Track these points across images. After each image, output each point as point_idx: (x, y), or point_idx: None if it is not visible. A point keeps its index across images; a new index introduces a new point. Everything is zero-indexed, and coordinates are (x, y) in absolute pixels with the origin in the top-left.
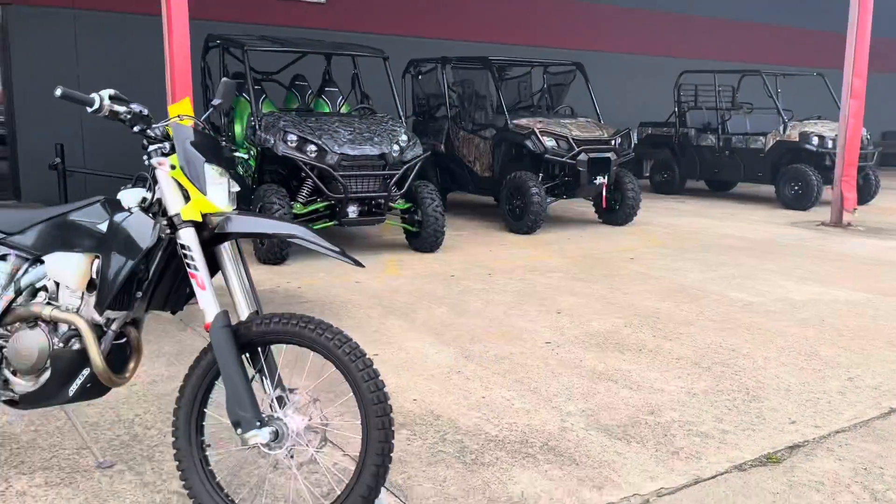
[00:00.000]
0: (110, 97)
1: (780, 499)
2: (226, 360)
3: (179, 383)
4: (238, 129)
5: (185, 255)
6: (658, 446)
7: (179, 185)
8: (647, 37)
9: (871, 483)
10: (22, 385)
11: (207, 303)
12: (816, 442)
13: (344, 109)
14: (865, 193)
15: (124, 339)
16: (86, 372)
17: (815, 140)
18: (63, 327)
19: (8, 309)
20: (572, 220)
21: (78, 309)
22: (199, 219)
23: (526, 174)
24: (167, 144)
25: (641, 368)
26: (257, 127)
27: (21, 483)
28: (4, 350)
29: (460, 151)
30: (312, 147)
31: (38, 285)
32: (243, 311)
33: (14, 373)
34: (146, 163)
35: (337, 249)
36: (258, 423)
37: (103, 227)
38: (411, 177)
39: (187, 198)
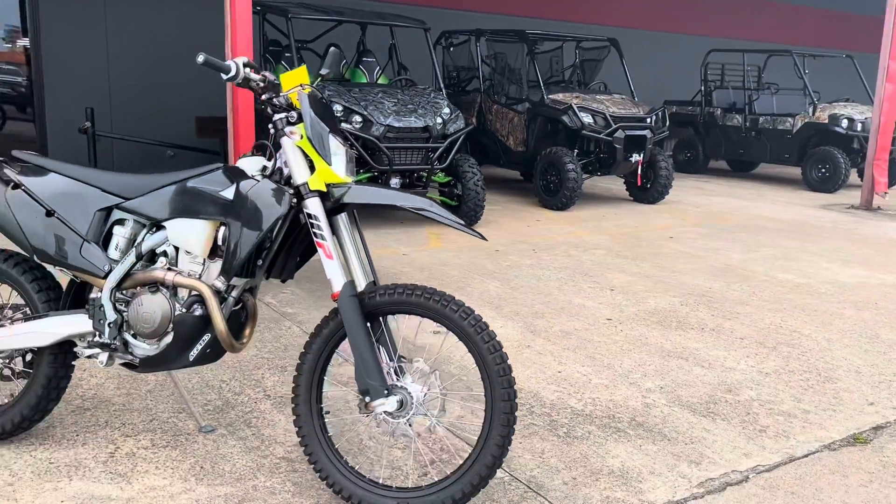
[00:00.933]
0: (244, 64)
1: (877, 478)
2: (354, 329)
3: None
4: None
5: (312, 225)
6: (744, 424)
7: (304, 154)
8: (672, 14)
9: None
10: (143, 348)
11: (334, 273)
12: None
13: (382, 80)
14: (892, 177)
15: (240, 305)
16: (206, 337)
17: (845, 122)
18: (183, 292)
19: (127, 273)
20: (602, 197)
21: (199, 275)
22: (324, 189)
23: (562, 150)
24: (294, 113)
25: (708, 347)
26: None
27: (128, 445)
28: (125, 314)
29: (493, 125)
30: (358, 118)
31: (157, 251)
32: (360, 282)
33: (134, 336)
34: (271, 131)
35: (462, 222)
36: (385, 392)
37: (227, 194)
38: (454, 150)
39: (311, 167)
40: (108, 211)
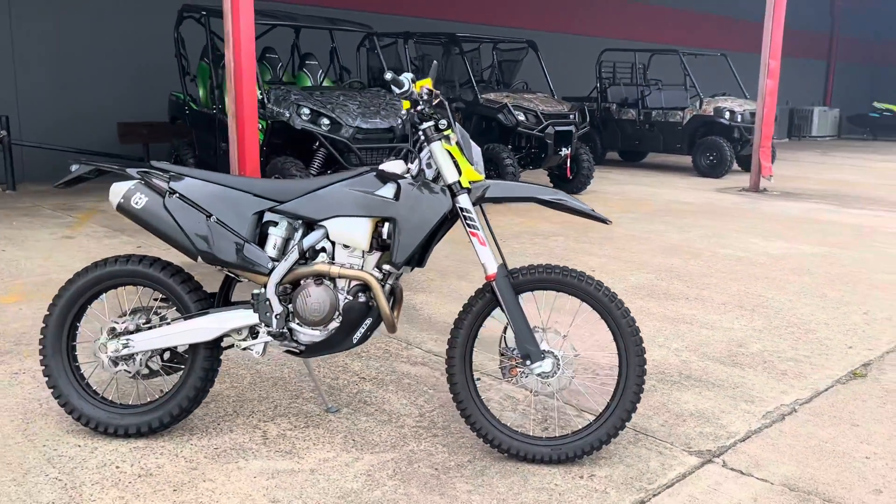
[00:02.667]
0: (411, 80)
1: (888, 400)
2: (511, 304)
3: None
4: (202, 93)
5: (466, 218)
6: (766, 370)
7: (451, 156)
8: (568, 17)
9: None
10: (310, 335)
11: (488, 257)
12: (878, 360)
13: (326, 83)
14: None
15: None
16: (368, 321)
17: (728, 114)
18: (342, 282)
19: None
20: None
21: (361, 267)
22: (469, 186)
23: (499, 146)
24: (444, 122)
25: (701, 312)
26: (266, 100)
27: (272, 428)
28: (289, 305)
29: None
30: (326, 120)
31: (316, 247)
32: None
33: (299, 325)
34: (420, 136)
35: (591, 209)
36: (542, 356)
37: (385, 193)
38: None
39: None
40: (260, 214)
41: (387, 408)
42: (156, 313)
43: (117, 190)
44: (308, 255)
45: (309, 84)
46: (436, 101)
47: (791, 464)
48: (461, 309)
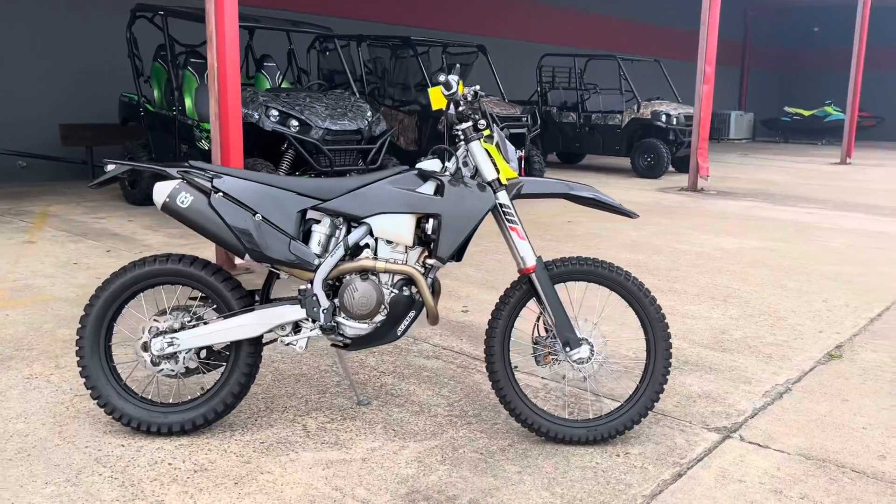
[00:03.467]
0: (455, 81)
1: (868, 377)
2: (551, 295)
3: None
4: (157, 94)
5: (506, 213)
6: (753, 354)
7: (489, 155)
8: (509, 23)
9: None
10: (357, 329)
11: (527, 250)
12: (848, 342)
13: (285, 85)
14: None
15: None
16: (412, 314)
17: (664, 117)
18: (385, 277)
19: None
20: None
21: (404, 262)
22: (506, 183)
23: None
24: (483, 122)
25: (678, 304)
26: None
27: (311, 422)
28: (336, 300)
29: None
30: (295, 122)
31: (360, 243)
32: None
33: (346, 319)
34: (459, 135)
35: (619, 203)
36: (580, 343)
37: (426, 190)
38: (383, 151)
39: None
40: (303, 211)
41: (415, 399)
42: (183, 310)
43: (162, 189)
44: (352, 252)
45: (268, 86)
46: (477, 104)
47: (800, 436)
48: (498, 301)
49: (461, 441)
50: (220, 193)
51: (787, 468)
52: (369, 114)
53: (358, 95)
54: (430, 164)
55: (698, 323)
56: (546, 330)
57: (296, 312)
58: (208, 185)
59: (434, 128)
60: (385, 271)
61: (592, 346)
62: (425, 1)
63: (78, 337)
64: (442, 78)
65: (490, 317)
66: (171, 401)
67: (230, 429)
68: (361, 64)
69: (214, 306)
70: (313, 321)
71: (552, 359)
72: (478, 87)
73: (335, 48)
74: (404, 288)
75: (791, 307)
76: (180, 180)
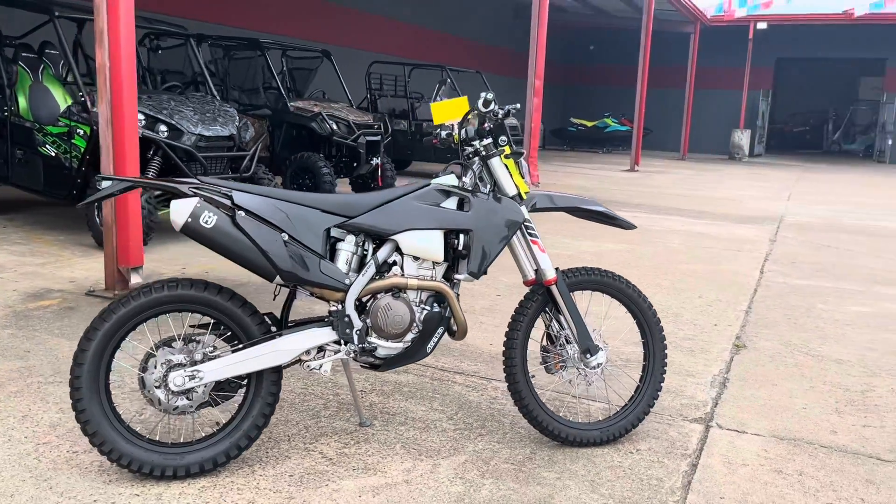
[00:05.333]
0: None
1: (779, 362)
2: (571, 305)
3: None
4: (22, 101)
5: (527, 227)
6: (678, 349)
7: (508, 170)
8: (340, 30)
9: (795, 351)
10: (390, 349)
11: (547, 263)
12: (742, 332)
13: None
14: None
15: None
16: (440, 330)
17: None
18: (412, 294)
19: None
20: None
21: (432, 278)
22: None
23: (315, 155)
24: (504, 138)
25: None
26: (90, 103)
27: (327, 449)
28: (368, 320)
29: None
30: (164, 127)
31: (388, 261)
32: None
33: (378, 339)
34: (482, 151)
35: (622, 217)
36: (598, 349)
37: (449, 205)
38: (256, 158)
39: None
40: (327, 229)
41: (413, 416)
42: (194, 340)
43: (182, 209)
44: (379, 269)
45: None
46: (504, 119)
47: (763, 420)
48: (515, 312)
49: (486, 454)
50: (243, 212)
51: (772, 450)
52: (237, 119)
53: (218, 98)
54: (447, 179)
55: (616, 324)
56: (554, 338)
57: (327, 335)
58: (228, 202)
59: (288, 134)
60: (418, 288)
61: (605, 352)
62: (255, 4)
63: (73, 377)
64: (490, 95)
65: (508, 328)
66: (182, 440)
67: (245, 464)
68: (202, 65)
69: (228, 334)
70: (345, 343)
71: (561, 365)
72: (518, 105)
73: (192, 48)
74: (435, 304)
75: (678, 304)
76: (200, 198)
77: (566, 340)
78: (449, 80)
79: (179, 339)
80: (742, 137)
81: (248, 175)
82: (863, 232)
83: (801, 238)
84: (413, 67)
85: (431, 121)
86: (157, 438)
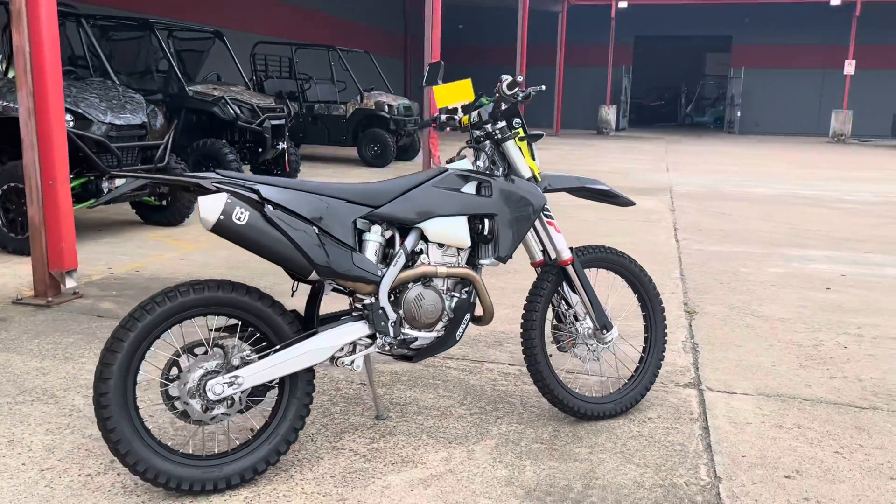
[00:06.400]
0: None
1: (730, 326)
2: (586, 284)
3: None
4: None
5: (544, 209)
6: (637, 318)
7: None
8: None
9: (741, 313)
10: (425, 338)
11: (563, 244)
12: (686, 297)
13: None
14: (411, 152)
15: None
16: (468, 316)
17: (387, 108)
18: (438, 282)
19: None
20: None
21: (458, 264)
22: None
23: (218, 141)
24: (518, 120)
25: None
26: None
27: (356, 446)
28: (401, 311)
29: None
30: (69, 116)
31: (416, 249)
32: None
33: (411, 329)
34: (497, 134)
35: (623, 194)
36: (612, 325)
37: (469, 190)
38: (170, 147)
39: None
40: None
41: (425, 404)
42: (219, 345)
43: (213, 206)
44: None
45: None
46: (524, 101)
47: (743, 380)
48: (531, 294)
49: (512, 435)
50: (271, 206)
51: (765, 407)
52: (145, 105)
53: (118, 83)
54: (463, 163)
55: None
56: (563, 317)
57: (362, 329)
58: (255, 196)
59: (188, 119)
60: (447, 276)
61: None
62: None
63: (100, 394)
64: (520, 78)
65: (525, 311)
66: (216, 451)
67: (280, 470)
68: (97, 46)
69: (255, 336)
70: (382, 336)
71: (573, 342)
72: (543, 87)
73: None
74: (462, 291)
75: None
76: (227, 194)
77: (574, 318)
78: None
79: (208, 344)
80: (609, 113)
81: (162, 165)
82: (744, 198)
83: (696, 207)
84: (298, 48)
85: (322, 102)
86: (191, 452)
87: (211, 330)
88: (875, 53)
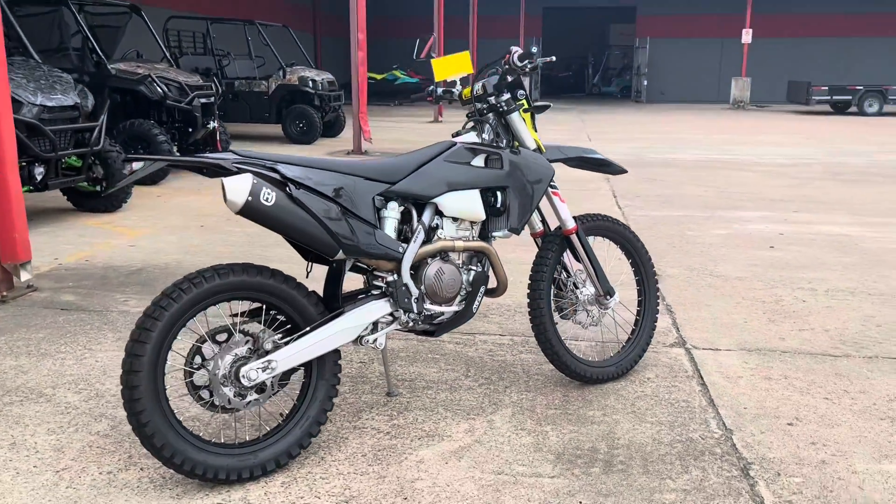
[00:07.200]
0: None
1: (694, 286)
2: (590, 251)
3: None
4: None
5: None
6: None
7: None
8: None
9: (700, 274)
10: (447, 312)
11: (567, 213)
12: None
13: None
14: (336, 128)
15: None
16: (483, 289)
17: (311, 83)
18: (453, 256)
19: None
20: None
21: (472, 238)
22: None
23: (147, 122)
24: (522, 91)
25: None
26: None
27: (378, 423)
28: (423, 287)
29: None
30: None
31: (432, 224)
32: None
33: (432, 304)
34: (502, 106)
35: (617, 164)
36: (614, 290)
37: (478, 163)
38: (104, 130)
39: None
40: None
41: (430, 379)
42: (242, 331)
43: (240, 187)
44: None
45: None
46: (532, 72)
47: (722, 337)
48: (536, 264)
49: (525, 403)
50: (293, 185)
51: (750, 360)
52: (74, 85)
53: (40, 62)
54: (469, 136)
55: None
56: (562, 285)
57: (385, 307)
58: (277, 175)
59: (112, 100)
60: (464, 250)
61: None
62: None
63: (131, 387)
64: (534, 49)
65: (531, 280)
66: (247, 438)
67: (308, 454)
68: (13, 21)
69: (281, 319)
70: (406, 312)
71: (575, 309)
72: (554, 57)
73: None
74: (478, 264)
75: None
76: (251, 174)
77: (574, 286)
78: (259, 33)
79: (234, 329)
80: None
81: (98, 149)
82: (669, 165)
83: (627, 174)
84: (213, 21)
85: (243, 79)
86: (222, 440)
87: (232, 315)
88: (770, 23)
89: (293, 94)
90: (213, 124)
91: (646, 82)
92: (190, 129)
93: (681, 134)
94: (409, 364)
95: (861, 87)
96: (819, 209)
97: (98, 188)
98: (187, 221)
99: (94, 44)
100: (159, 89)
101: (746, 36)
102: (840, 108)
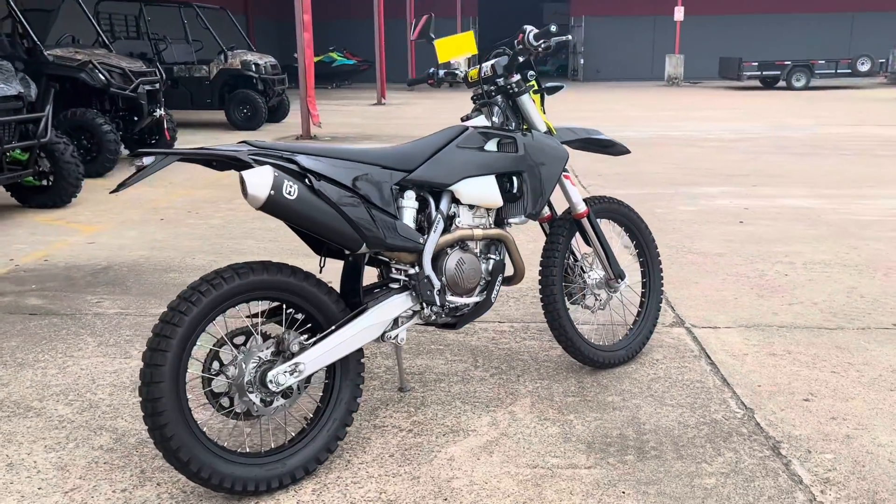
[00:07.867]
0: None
1: (678, 266)
2: (601, 234)
3: None
4: None
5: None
6: None
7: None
8: None
9: (680, 251)
10: (468, 303)
11: (578, 197)
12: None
13: None
14: (281, 113)
15: None
16: (500, 277)
17: (254, 67)
18: (471, 244)
19: None
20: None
21: (489, 225)
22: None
23: (91, 111)
24: (532, 72)
25: None
26: None
27: (396, 421)
28: (444, 278)
29: None
30: None
31: (449, 213)
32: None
33: (453, 296)
34: (513, 87)
35: (622, 144)
36: (624, 273)
37: (491, 147)
38: (50, 121)
39: None
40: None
41: (439, 371)
42: (263, 334)
43: (261, 181)
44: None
45: None
46: (547, 50)
47: (718, 315)
48: (546, 249)
49: (542, 392)
50: (313, 176)
51: (752, 337)
52: (15, 74)
53: None
54: (480, 120)
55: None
56: (569, 270)
57: (408, 301)
58: (296, 167)
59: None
60: (483, 238)
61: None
62: None
63: (152, 399)
64: (553, 27)
65: (542, 266)
66: (272, 446)
67: (332, 458)
68: None
69: (301, 320)
70: (429, 305)
71: (584, 293)
72: (570, 36)
73: None
74: (496, 253)
75: None
76: (271, 167)
77: (582, 270)
78: (197, 15)
79: (254, 331)
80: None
81: (44, 141)
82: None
83: (582, 153)
84: (146, 3)
85: (182, 64)
86: (247, 450)
87: (250, 317)
88: (702, 0)
89: (236, 79)
90: (159, 112)
91: (582, 61)
92: (135, 118)
93: (623, 112)
94: (415, 357)
95: (789, 63)
96: (776, 183)
97: (45, 182)
98: (144, 215)
99: (27, 28)
100: (101, 76)
101: (679, 13)
102: (769, 83)
